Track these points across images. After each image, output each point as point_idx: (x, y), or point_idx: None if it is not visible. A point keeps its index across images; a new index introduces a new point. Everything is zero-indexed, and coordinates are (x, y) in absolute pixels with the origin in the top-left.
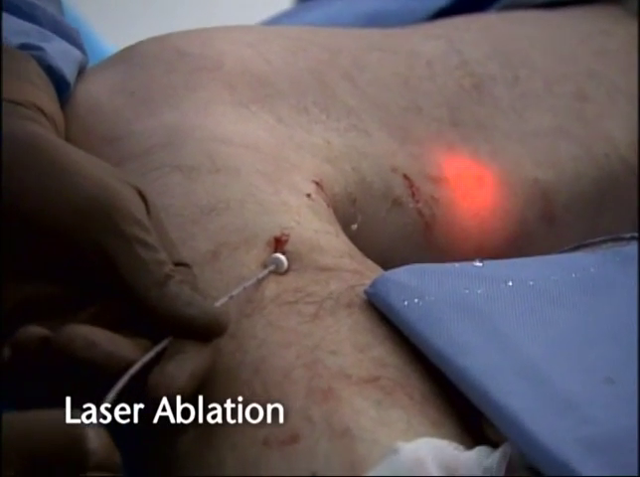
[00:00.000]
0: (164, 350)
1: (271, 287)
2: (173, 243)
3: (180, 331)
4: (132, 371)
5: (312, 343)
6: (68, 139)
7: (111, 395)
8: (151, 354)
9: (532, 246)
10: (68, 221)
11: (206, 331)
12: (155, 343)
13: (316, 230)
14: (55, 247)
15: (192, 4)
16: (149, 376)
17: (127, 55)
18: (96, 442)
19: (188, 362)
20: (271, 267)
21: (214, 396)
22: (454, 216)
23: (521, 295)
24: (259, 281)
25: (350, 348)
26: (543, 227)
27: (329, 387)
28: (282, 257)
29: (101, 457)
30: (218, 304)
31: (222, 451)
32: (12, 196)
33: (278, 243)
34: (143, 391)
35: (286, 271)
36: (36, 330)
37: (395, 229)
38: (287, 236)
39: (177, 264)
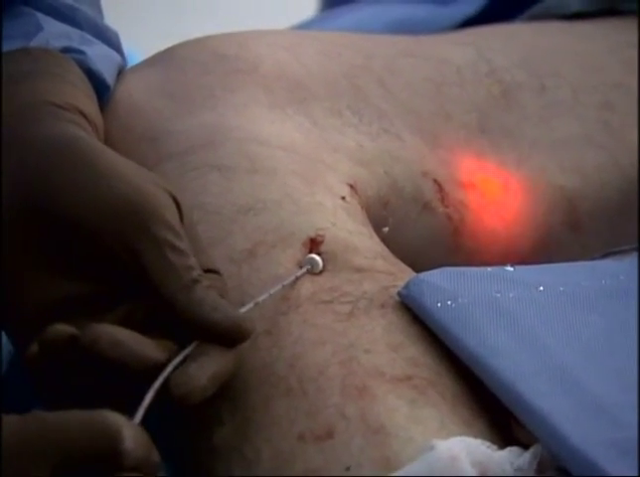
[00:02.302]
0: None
1: (307, 286)
2: (204, 250)
3: (205, 335)
4: (162, 378)
5: (347, 341)
6: (107, 138)
7: (146, 401)
8: (179, 357)
9: (557, 253)
10: (102, 222)
11: (230, 336)
12: (181, 345)
13: (350, 231)
14: (88, 248)
15: (214, 12)
16: (172, 375)
17: (165, 57)
18: (133, 443)
19: (210, 364)
20: (307, 267)
21: (250, 390)
22: (482, 221)
23: (552, 300)
24: (295, 281)
25: (384, 347)
26: (568, 233)
27: (364, 384)
28: (318, 258)
29: (138, 457)
30: (246, 309)
31: (257, 444)
32: (49, 196)
33: (314, 244)
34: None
35: (321, 272)
36: (63, 328)
37: (424, 232)
38: (323, 236)
39: (207, 271)
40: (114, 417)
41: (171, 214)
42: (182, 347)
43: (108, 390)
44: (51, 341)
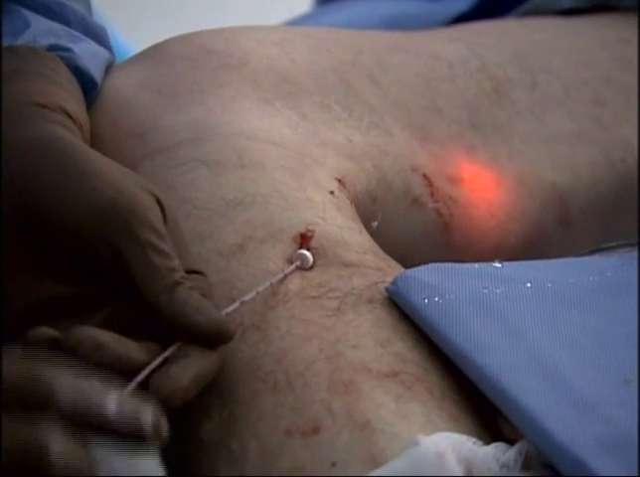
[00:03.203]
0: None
1: (296, 281)
2: (188, 251)
3: (187, 336)
4: (140, 377)
5: (334, 336)
6: (95, 134)
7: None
8: (159, 360)
9: (548, 249)
10: (85, 223)
11: (211, 337)
12: (164, 347)
13: (340, 226)
14: (72, 249)
15: (209, 7)
16: (152, 377)
17: (154, 52)
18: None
19: (192, 365)
20: (297, 263)
21: (237, 384)
22: (472, 216)
23: (539, 296)
24: (284, 278)
25: (371, 342)
26: (559, 230)
27: (350, 380)
28: (308, 254)
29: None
30: (233, 308)
31: (244, 439)
32: (32, 198)
33: (304, 239)
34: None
35: (311, 267)
36: (46, 331)
37: (413, 227)
38: (312, 232)
39: (190, 271)
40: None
41: (154, 215)
42: (165, 348)
43: None
44: (33, 344)
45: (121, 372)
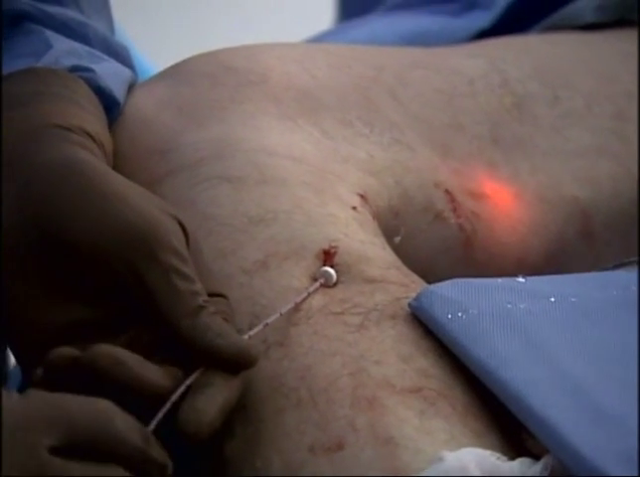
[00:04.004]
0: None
1: (318, 298)
2: (210, 273)
3: (210, 361)
4: (165, 409)
5: (357, 352)
6: (117, 152)
7: (150, 428)
8: (182, 389)
9: (570, 263)
10: (108, 247)
11: (234, 363)
12: (186, 371)
13: (363, 241)
14: (94, 273)
15: (230, 25)
16: (179, 411)
17: (175, 71)
18: (125, 423)
19: (217, 396)
20: (321, 281)
21: (261, 401)
22: (494, 231)
23: (563, 311)
24: (307, 297)
25: (394, 358)
26: (581, 244)
27: (373, 395)
28: (332, 271)
29: (132, 441)
30: (256, 330)
31: (268, 456)
32: (54, 223)
33: (327, 256)
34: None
35: (335, 284)
36: (66, 350)
37: (436, 243)
38: (336, 248)
39: (213, 295)
40: (107, 402)
41: (177, 239)
42: (187, 373)
43: None
44: (55, 364)
45: (140, 393)
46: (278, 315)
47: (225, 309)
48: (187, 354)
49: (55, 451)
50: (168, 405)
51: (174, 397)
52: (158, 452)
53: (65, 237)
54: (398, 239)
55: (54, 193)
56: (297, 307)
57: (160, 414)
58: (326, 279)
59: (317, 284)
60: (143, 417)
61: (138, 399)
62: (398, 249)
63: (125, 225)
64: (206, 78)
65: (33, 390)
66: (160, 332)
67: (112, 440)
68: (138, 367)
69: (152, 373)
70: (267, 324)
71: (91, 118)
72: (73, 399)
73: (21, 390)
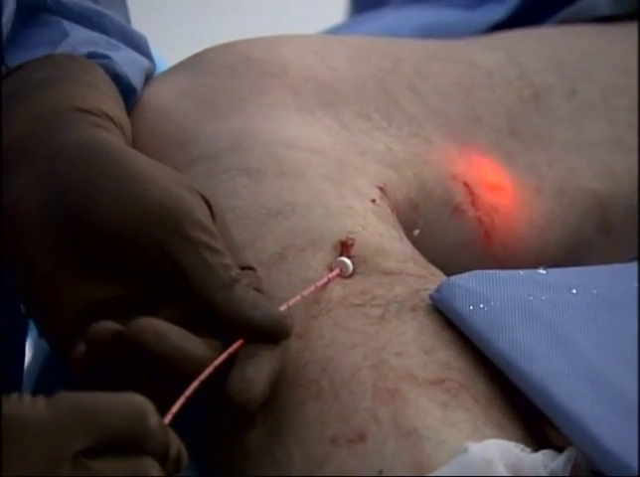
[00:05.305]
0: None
1: (338, 290)
2: (239, 247)
3: (247, 333)
4: (202, 377)
5: (378, 344)
6: (135, 142)
7: (181, 399)
8: (221, 358)
9: (589, 256)
10: (136, 226)
11: (272, 333)
12: (224, 344)
13: (381, 234)
14: (124, 252)
15: (242, 18)
16: (228, 382)
17: (194, 61)
18: (157, 422)
19: (264, 366)
20: (337, 270)
21: (281, 393)
22: (513, 224)
23: (585, 303)
24: (327, 283)
25: (416, 350)
26: (599, 237)
27: (395, 387)
28: (348, 261)
29: (161, 440)
30: (291, 303)
31: (289, 447)
32: (83, 202)
33: (344, 247)
34: (210, 390)
35: (352, 275)
36: (108, 325)
37: (455, 236)
38: (353, 240)
39: (243, 268)
40: (139, 397)
41: (203, 214)
42: (225, 347)
43: (153, 391)
44: (97, 338)
45: (181, 367)
46: (299, 297)
47: (256, 281)
48: (222, 328)
49: (83, 451)
50: (205, 374)
51: (212, 366)
52: (175, 446)
53: (91, 217)
54: (416, 233)
55: (80, 175)
56: (317, 299)
57: (197, 382)
58: (342, 269)
59: (336, 271)
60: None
61: (181, 374)
62: (416, 243)
63: (151, 203)
64: (226, 68)
65: (60, 392)
66: (194, 308)
67: (143, 438)
68: (181, 339)
69: (194, 345)
70: (289, 305)
71: (111, 102)
72: (103, 399)
73: (42, 380)
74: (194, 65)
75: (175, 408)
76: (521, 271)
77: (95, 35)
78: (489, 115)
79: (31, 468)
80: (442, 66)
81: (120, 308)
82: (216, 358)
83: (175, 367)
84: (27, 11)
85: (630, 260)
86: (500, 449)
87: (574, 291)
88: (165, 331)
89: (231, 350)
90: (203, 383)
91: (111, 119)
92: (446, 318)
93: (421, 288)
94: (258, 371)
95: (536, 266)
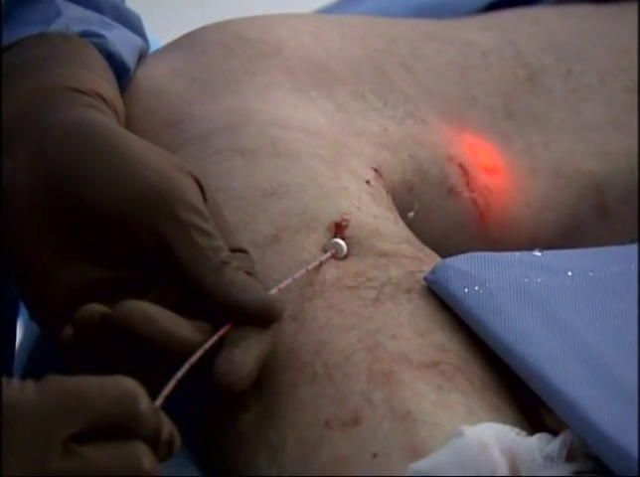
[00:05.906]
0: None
1: (332, 271)
2: (231, 229)
3: (236, 316)
4: (193, 359)
5: (373, 327)
6: (128, 122)
7: (172, 382)
8: (211, 341)
9: (585, 238)
10: (126, 207)
11: (261, 317)
12: (214, 327)
13: (375, 215)
14: (114, 234)
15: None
16: (215, 363)
17: (188, 40)
18: (148, 405)
19: (252, 349)
20: (331, 252)
21: (275, 376)
22: (508, 206)
23: (580, 285)
24: (320, 265)
25: (410, 333)
26: (596, 219)
27: (390, 370)
28: (342, 243)
29: (152, 424)
30: (282, 286)
31: (283, 430)
32: (74, 183)
33: (338, 229)
34: (202, 373)
35: (346, 256)
36: (96, 307)
37: (450, 217)
38: (347, 221)
39: (234, 250)
40: (130, 381)
41: (195, 196)
42: (215, 330)
43: (143, 374)
44: (85, 321)
45: (170, 350)
46: (291, 280)
47: (247, 264)
48: (212, 311)
49: (73, 437)
50: (195, 357)
51: (202, 350)
52: (167, 429)
53: (82, 198)
54: (411, 215)
55: (71, 155)
56: (311, 281)
57: (187, 365)
58: (336, 251)
59: (328, 254)
60: (172, 375)
61: (170, 358)
62: (411, 225)
63: (142, 184)
64: (220, 48)
65: (50, 376)
66: (184, 291)
67: (135, 422)
68: (170, 322)
69: (183, 328)
70: (281, 288)
71: (104, 83)
72: (93, 383)
73: (33, 362)
74: (188, 44)
75: (166, 391)
76: (516, 253)
77: (89, 13)
78: (484, 95)
79: (20, 454)
80: (437, 45)
81: (111, 291)
82: (205, 341)
83: (164, 350)
84: None
85: (629, 242)
86: (495, 433)
87: (570, 273)
88: (154, 314)
89: (221, 333)
90: (193, 366)
91: (105, 100)
92: (441, 300)
93: (416, 270)
94: (246, 353)
95: (531, 248)
